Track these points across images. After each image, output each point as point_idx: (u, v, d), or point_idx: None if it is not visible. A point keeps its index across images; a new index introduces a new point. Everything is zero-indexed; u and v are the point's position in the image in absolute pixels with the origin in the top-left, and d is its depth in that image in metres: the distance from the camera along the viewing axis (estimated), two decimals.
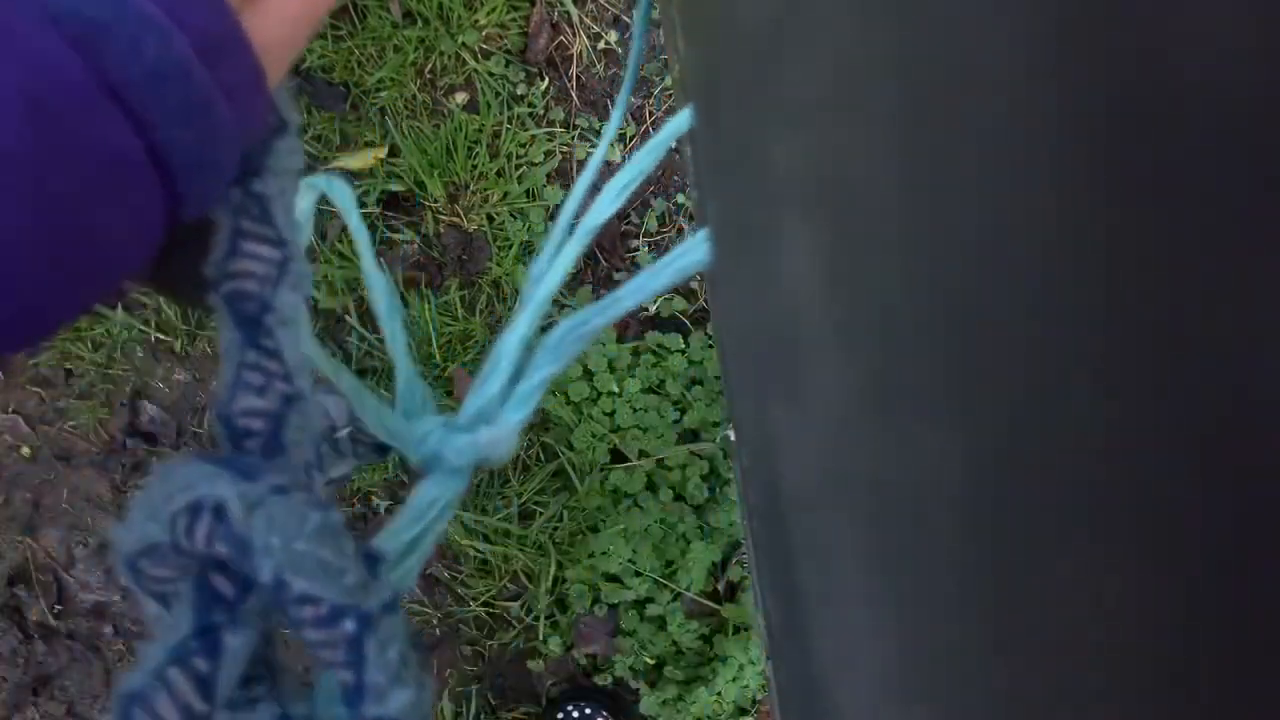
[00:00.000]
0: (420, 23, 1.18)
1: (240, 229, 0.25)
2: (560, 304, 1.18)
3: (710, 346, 1.17)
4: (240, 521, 0.21)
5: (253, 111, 0.24)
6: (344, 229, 1.18)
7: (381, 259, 1.19)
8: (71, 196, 0.19)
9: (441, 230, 1.19)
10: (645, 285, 0.30)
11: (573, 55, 1.20)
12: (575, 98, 1.20)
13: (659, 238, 1.21)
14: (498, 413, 0.29)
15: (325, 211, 1.19)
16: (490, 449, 0.28)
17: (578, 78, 1.20)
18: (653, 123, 1.21)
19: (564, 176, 1.21)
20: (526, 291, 0.30)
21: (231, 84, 0.22)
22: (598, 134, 1.20)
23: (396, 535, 0.28)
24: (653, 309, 1.20)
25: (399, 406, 0.31)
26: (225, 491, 0.21)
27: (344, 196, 0.33)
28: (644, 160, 0.31)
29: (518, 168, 1.18)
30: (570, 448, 1.16)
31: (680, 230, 1.21)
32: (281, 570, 0.20)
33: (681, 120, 0.31)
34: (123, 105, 0.20)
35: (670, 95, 1.20)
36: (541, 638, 1.18)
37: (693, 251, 0.31)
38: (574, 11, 1.18)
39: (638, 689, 1.18)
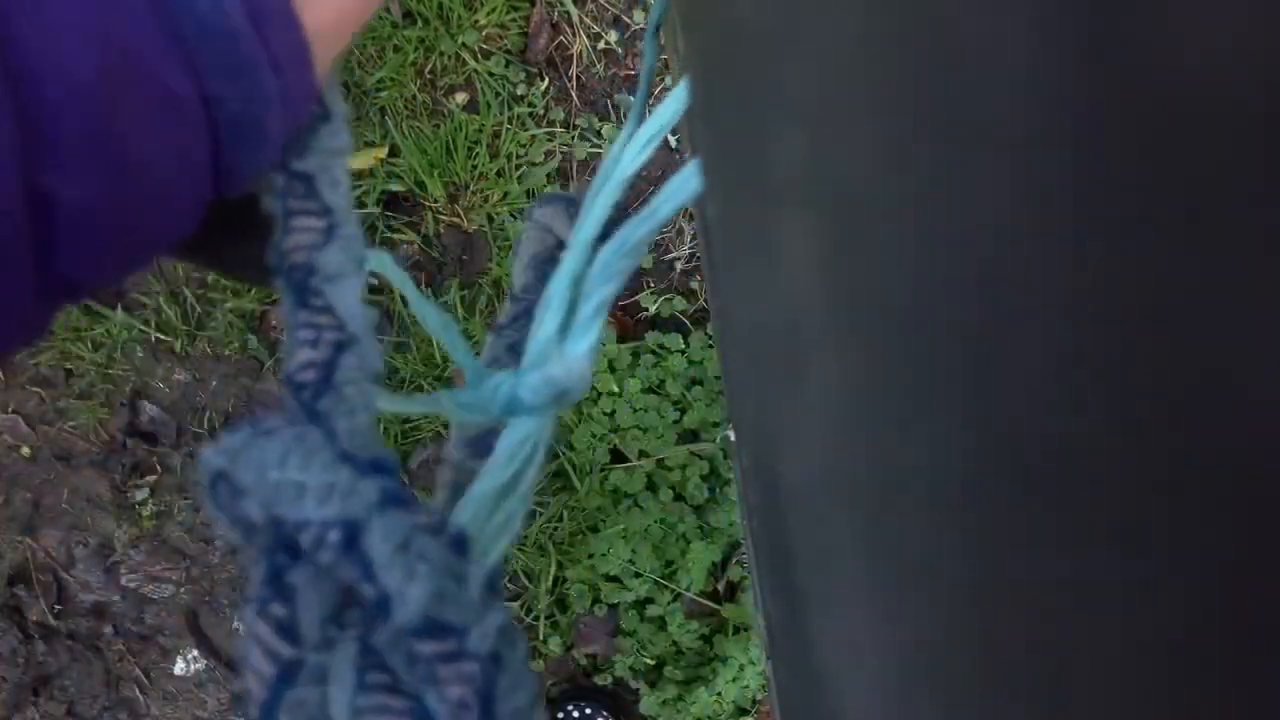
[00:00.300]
0: (420, 23, 1.18)
1: (289, 209, 0.25)
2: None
3: (710, 346, 1.17)
4: (384, 564, 0.20)
5: (299, 88, 0.24)
6: None
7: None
8: (132, 132, 0.20)
9: (441, 230, 1.20)
10: (681, 189, 0.30)
11: (573, 55, 1.20)
12: (575, 98, 1.20)
13: (659, 238, 1.21)
14: (560, 350, 0.28)
15: None
16: (566, 381, 0.28)
17: (578, 78, 1.20)
18: None
19: (564, 176, 1.21)
20: (576, 230, 0.30)
21: (279, 56, 0.23)
22: (598, 134, 1.20)
23: (488, 484, 0.28)
24: (653, 309, 1.20)
25: (484, 359, 0.30)
26: (361, 514, 0.21)
27: (394, 273, 0.33)
28: (666, 112, 0.31)
29: (518, 168, 1.18)
30: (570, 448, 1.16)
31: (680, 230, 1.21)
32: (413, 616, 0.20)
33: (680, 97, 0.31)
34: (178, 53, 0.21)
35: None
36: (541, 638, 1.18)
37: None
38: (574, 11, 1.18)
39: (638, 689, 1.18)
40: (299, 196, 0.26)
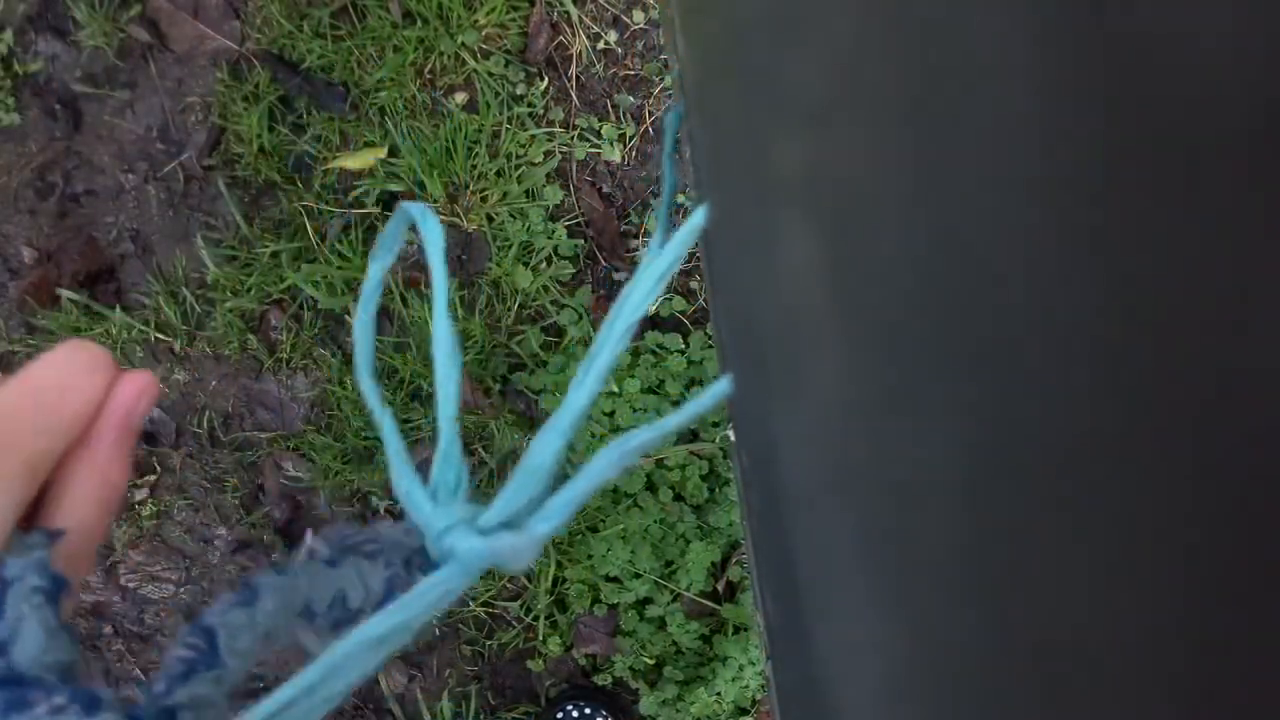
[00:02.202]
0: (420, 23, 1.18)
1: None
2: (560, 304, 1.18)
3: (710, 346, 1.17)
4: None
5: None
6: (344, 228, 1.18)
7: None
8: None
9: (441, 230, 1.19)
10: (696, 406, 0.30)
11: (572, 55, 1.20)
12: (575, 98, 1.20)
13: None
14: (525, 520, 0.28)
15: (325, 211, 1.19)
16: (509, 558, 0.27)
17: (577, 78, 1.20)
18: (652, 122, 1.21)
19: (563, 176, 1.21)
20: (570, 393, 0.29)
21: None
22: (597, 134, 1.20)
23: (390, 615, 0.27)
24: (653, 309, 1.20)
25: (433, 482, 0.29)
26: None
27: (434, 234, 0.32)
28: (675, 250, 0.31)
29: (517, 168, 1.18)
30: (570, 448, 1.16)
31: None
32: None
33: (699, 218, 0.31)
34: None
35: (670, 95, 1.20)
36: (541, 638, 1.18)
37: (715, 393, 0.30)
38: (574, 11, 1.18)
39: (637, 689, 1.18)
40: None
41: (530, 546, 0.28)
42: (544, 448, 0.28)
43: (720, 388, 0.30)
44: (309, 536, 0.29)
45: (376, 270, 0.32)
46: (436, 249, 0.31)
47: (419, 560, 0.29)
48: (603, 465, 0.28)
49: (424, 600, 0.27)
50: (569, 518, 0.28)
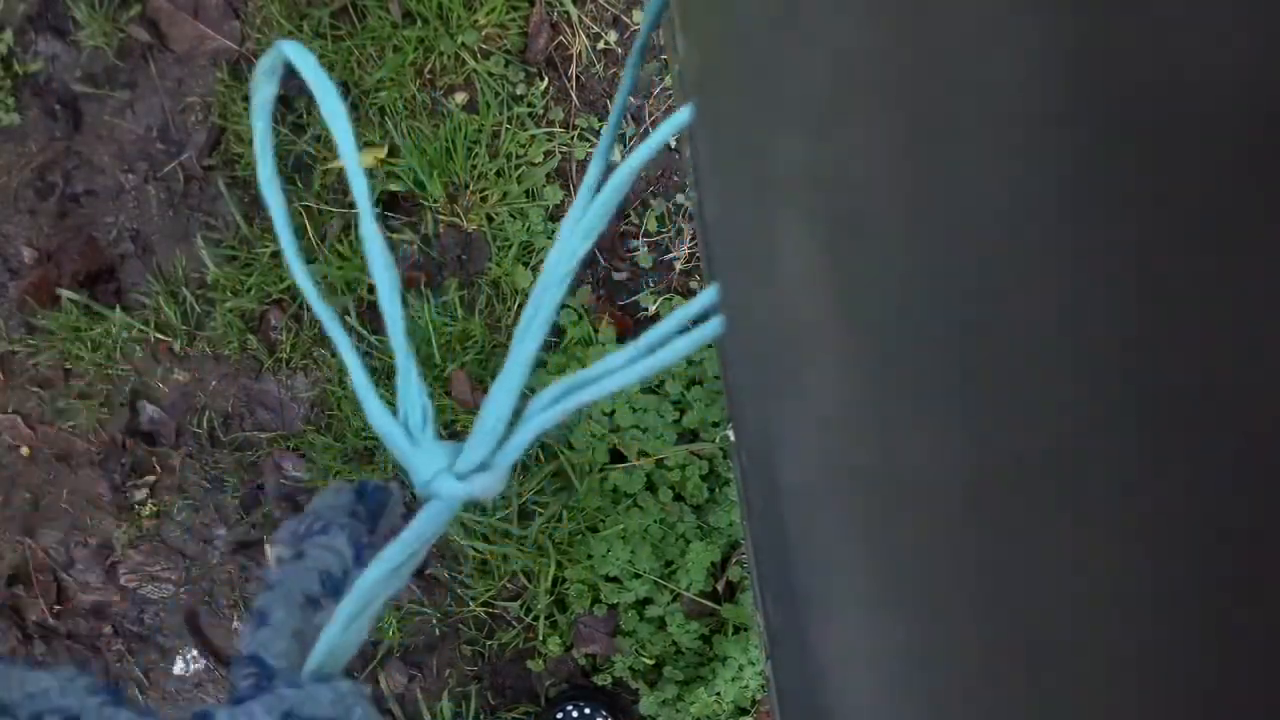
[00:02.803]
0: (420, 23, 1.18)
1: None
2: (562, 305, 1.18)
3: (710, 346, 1.16)
4: None
5: None
6: (344, 228, 1.18)
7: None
8: None
9: (441, 230, 1.20)
10: (641, 366, 0.32)
11: (572, 55, 1.20)
12: (575, 98, 1.20)
13: (658, 238, 1.21)
14: (492, 457, 0.31)
15: (325, 211, 1.19)
16: (485, 493, 0.31)
17: (577, 78, 1.20)
18: (652, 122, 1.21)
19: (563, 176, 1.21)
20: (519, 332, 0.32)
21: None
22: (597, 134, 1.20)
23: (398, 547, 0.32)
24: (652, 309, 1.20)
25: (400, 415, 0.33)
26: None
27: (307, 65, 0.32)
28: (638, 158, 0.31)
29: (517, 168, 1.18)
30: (569, 448, 1.16)
31: (680, 230, 1.21)
32: None
33: (681, 117, 0.31)
34: None
35: (670, 95, 1.20)
36: (541, 638, 1.18)
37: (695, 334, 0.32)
38: (574, 11, 1.18)
39: (637, 689, 1.18)
40: None
41: (501, 481, 0.31)
42: (497, 394, 0.31)
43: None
44: (269, 548, 0.35)
45: (259, 101, 0.34)
46: (327, 93, 0.32)
47: (360, 510, 0.34)
48: (543, 409, 0.31)
49: (423, 532, 0.31)
50: (525, 450, 0.31)
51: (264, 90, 0.32)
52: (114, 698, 0.30)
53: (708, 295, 0.32)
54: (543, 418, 0.31)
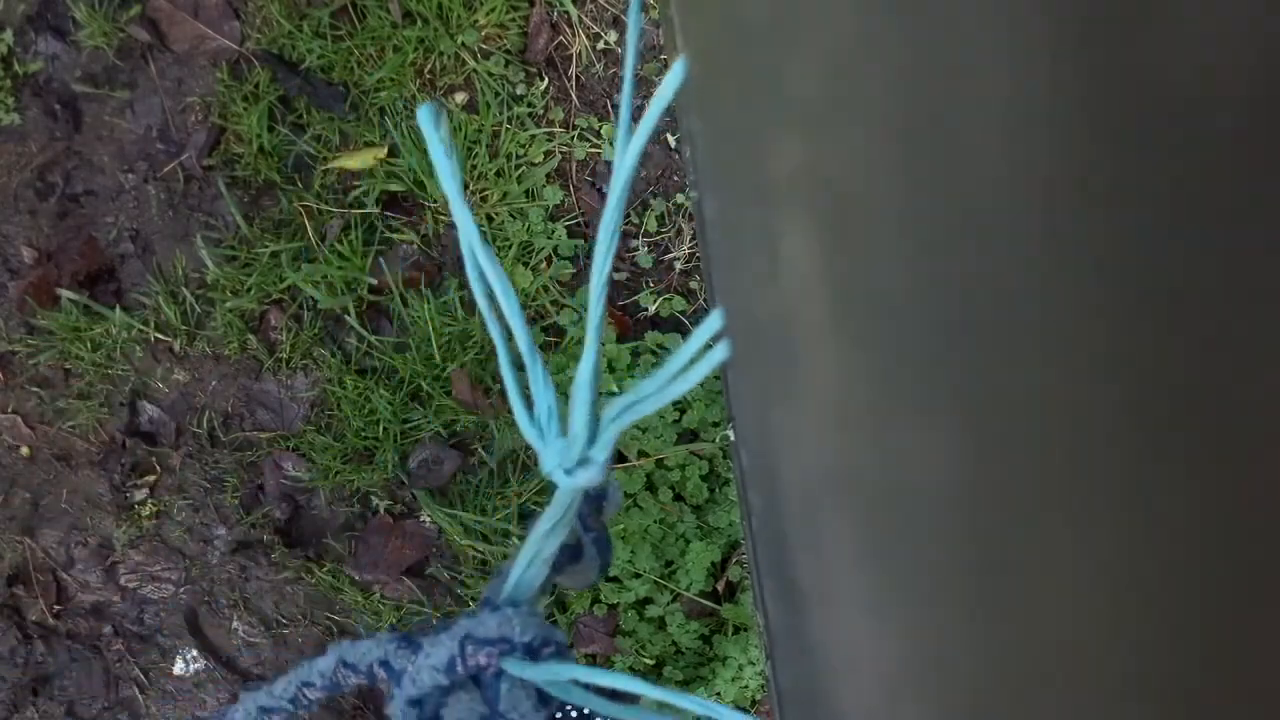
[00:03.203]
0: (420, 23, 1.18)
1: None
2: (560, 304, 1.18)
3: (710, 346, 1.17)
4: None
5: None
6: (344, 228, 1.18)
7: (382, 260, 1.19)
8: None
9: (441, 230, 1.20)
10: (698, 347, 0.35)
11: (572, 55, 1.20)
12: (575, 98, 1.20)
13: (658, 238, 1.21)
14: (586, 450, 0.36)
15: (325, 211, 1.19)
16: (587, 483, 0.37)
17: (577, 78, 1.20)
18: None
19: (563, 176, 1.21)
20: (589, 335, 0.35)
21: None
22: (597, 134, 1.20)
23: (543, 522, 0.39)
24: (652, 309, 1.20)
25: (535, 412, 0.38)
26: None
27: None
28: (645, 127, 0.33)
29: (517, 168, 1.18)
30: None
31: (680, 230, 1.21)
32: None
33: (677, 74, 0.31)
34: None
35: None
36: None
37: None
38: (573, 11, 1.18)
39: None
40: None
41: (600, 472, 0.36)
42: (581, 402, 0.36)
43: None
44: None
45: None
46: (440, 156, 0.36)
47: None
48: (615, 415, 0.36)
49: (556, 511, 0.39)
50: (612, 446, 0.37)
51: (436, 134, 0.35)
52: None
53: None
54: (617, 423, 0.36)
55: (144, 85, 1.22)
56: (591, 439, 0.36)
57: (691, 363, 0.34)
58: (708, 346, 0.34)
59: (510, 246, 1.18)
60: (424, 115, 0.33)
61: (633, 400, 0.35)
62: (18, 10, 1.21)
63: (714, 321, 0.32)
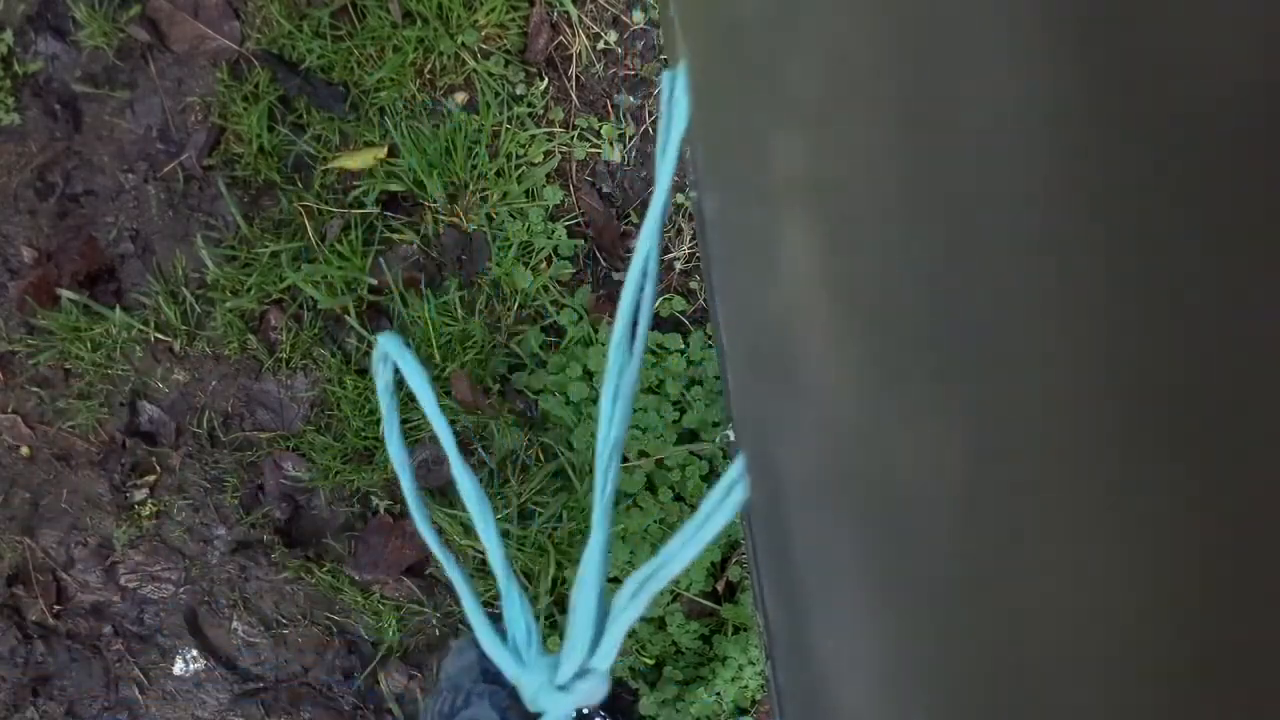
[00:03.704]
0: (419, 23, 1.18)
1: None
2: (560, 304, 1.18)
3: (709, 346, 1.17)
4: None
5: None
6: (344, 228, 1.18)
7: (382, 260, 1.19)
8: None
9: (441, 230, 1.20)
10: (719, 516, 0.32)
11: (572, 55, 1.20)
12: (575, 98, 1.20)
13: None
14: (588, 660, 0.32)
15: (325, 211, 1.19)
16: (586, 700, 0.33)
17: (577, 78, 1.20)
18: (652, 122, 1.21)
19: (563, 176, 1.20)
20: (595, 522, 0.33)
21: None
22: (597, 134, 1.20)
23: None
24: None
25: (509, 638, 0.34)
26: None
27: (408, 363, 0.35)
28: (652, 226, 0.32)
29: (517, 168, 1.18)
30: (570, 448, 1.16)
31: (680, 230, 1.21)
32: None
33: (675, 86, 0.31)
34: None
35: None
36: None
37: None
38: (573, 11, 1.18)
39: (637, 689, 1.18)
40: None
41: (602, 686, 0.32)
42: (585, 600, 0.32)
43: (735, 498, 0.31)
44: None
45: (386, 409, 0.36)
46: (424, 391, 0.35)
47: (489, 665, 0.36)
48: (631, 600, 0.32)
49: None
50: (619, 649, 0.32)
51: (383, 375, 0.34)
52: None
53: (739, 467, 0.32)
54: (627, 614, 0.31)
55: (144, 85, 1.22)
56: (595, 644, 0.32)
57: (689, 539, 0.31)
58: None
59: (510, 246, 1.17)
60: (388, 345, 0.32)
61: (646, 576, 0.31)
62: (18, 10, 1.21)
63: (731, 476, 0.31)
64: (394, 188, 1.18)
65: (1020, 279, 0.14)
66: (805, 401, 0.25)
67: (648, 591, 0.31)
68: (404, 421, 1.18)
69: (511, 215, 1.18)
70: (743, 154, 0.26)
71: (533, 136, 1.18)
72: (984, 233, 0.14)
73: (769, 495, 0.32)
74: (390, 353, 0.32)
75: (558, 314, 1.18)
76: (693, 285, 1.21)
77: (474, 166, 1.18)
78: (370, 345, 1.18)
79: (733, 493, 0.31)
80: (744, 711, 1.17)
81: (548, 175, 1.19)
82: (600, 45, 1.20)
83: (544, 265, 1.19)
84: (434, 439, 1.19)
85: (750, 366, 0.31)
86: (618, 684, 1.19)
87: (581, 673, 0.32)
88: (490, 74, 1.18)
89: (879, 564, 0.22)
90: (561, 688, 0.32)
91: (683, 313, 1.19)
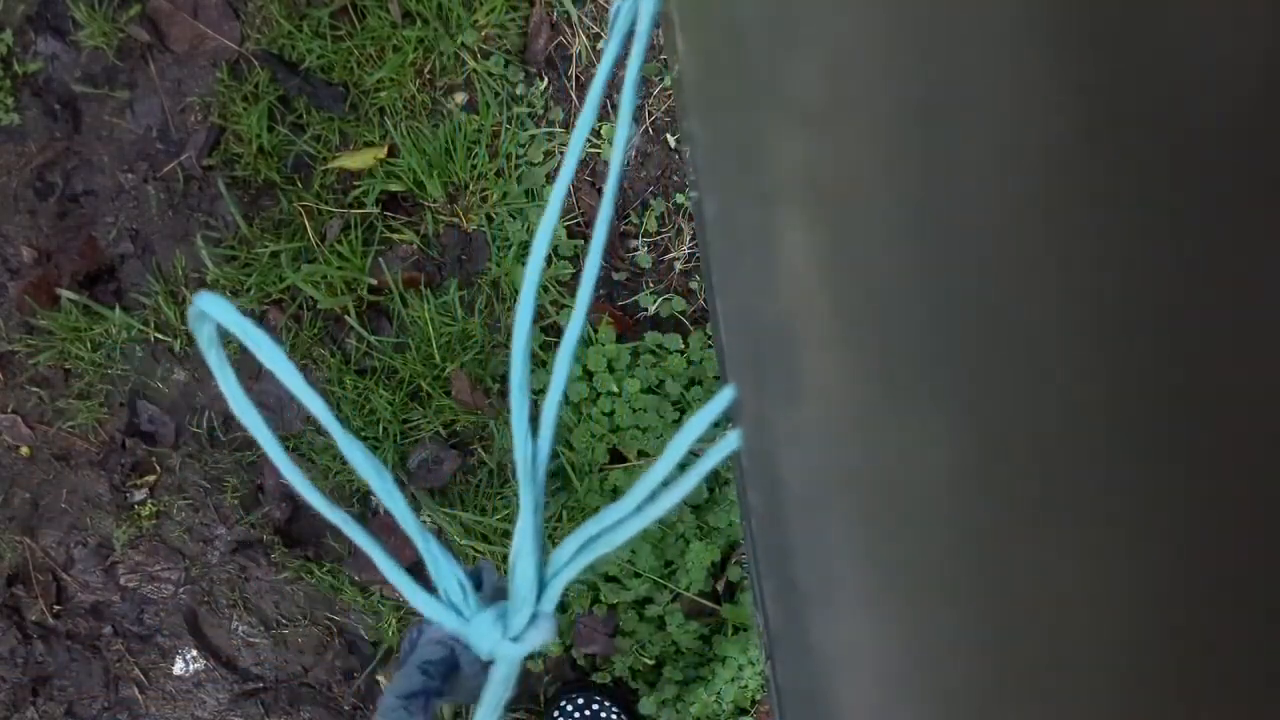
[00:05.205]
0: (419, 23, 1.18)
1: None
2: (560, 304, 1.18)
3: (709, 346, 1.17)
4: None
5: None
6: (343, 228, 1.18)
7: (382, 260, 1.19)
8: None
9: (441, 230, 1.20)
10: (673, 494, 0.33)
11: (572, 55, 1.20)
12: (575, 98, 1.20)
13: (658, 238, 1.21)
14: (535, 608, 0.33)
15: (325, 211, 1.19)
16: (540, 644, 0.34)
17: (577, 78, 1.20)
18: (652, 122, 1.21)
19: None
20: (522, 470, 0.34)
21: None
22: (597, 134, 1.20)
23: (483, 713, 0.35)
24: (652, 309, 1.20)
25: (442, 595, 0.34)
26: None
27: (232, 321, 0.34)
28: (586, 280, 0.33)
29: (517, 168, 1.18)
30: (569, 447, 1.16)
31: (679, 230, 1.21)
32: None
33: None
34: None
35: (670, 95, 1.20)
36: None
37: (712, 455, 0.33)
38: (573, 11, 1.18)
39: (637, 689, 1.18)
40: None
41: (551, 628, 0.33)
42: (525, 555, 0.33)
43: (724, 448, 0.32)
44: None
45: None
46: (266, 351, 0.34)
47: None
48: (566, 560, 0.33)
49: (498, 693, 0.35)
50: (560, 595, 0.33)
51: (203, 331, 0.33)
52: None
53: (697, 427, 0.33)
54: (566, 572, 0.33)
55: (144, 85, 1.22)
56: (540, 593, 0.33)
57: (664, 485, 0.32)
58: (682, 466, 0.32)
59: (510, 246, 1.18)
60: (206, 304, 0.31)
61: (592, 534, 0.32)
62: (18, 10, 1.21)
63: (680, 446, 0.32)
64: (394, 188, 1.18)
65: (1020, 277, 0.14)
66: (805, 401, 0.25)
67: (588, 554, 0.32)
68: (404, 421, 1.18)
69: (511, 215, 1.18)
70: (743, 155, 0.26)
71: (533, 136, 1.18)
72: (984, 231, 0.14)
73: (769, 495, 0.32)
74: (209, 313, 0.31)
75: (558, 314, 1.18)
76: (692, 285, 1.21)
77: (474, 166, 1.18)
78: (371, 346, 1.18)
79: (704, 458, 0.32)
80: (744, 711, 1.17)
81: (548, 175, 1.19)
82: (600, 45, 1.20)
83: (544, 265, 1.19)
84: (434, 439, 1.19)
85: (749, 367, 0.31)
86: (617, 684, 1.19)
87: (531, 619, 0.33)
88: (490, 74, 1.18)
89: (879, 563, 0.22)
90: (515, 639, 0.33)
91: (683, 313, 1.19)
